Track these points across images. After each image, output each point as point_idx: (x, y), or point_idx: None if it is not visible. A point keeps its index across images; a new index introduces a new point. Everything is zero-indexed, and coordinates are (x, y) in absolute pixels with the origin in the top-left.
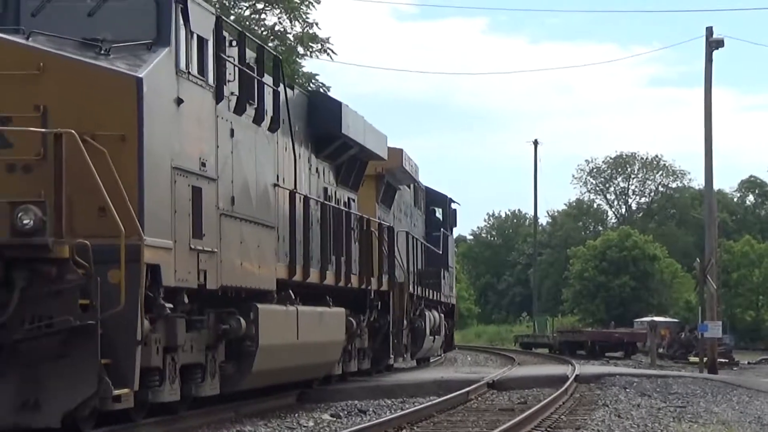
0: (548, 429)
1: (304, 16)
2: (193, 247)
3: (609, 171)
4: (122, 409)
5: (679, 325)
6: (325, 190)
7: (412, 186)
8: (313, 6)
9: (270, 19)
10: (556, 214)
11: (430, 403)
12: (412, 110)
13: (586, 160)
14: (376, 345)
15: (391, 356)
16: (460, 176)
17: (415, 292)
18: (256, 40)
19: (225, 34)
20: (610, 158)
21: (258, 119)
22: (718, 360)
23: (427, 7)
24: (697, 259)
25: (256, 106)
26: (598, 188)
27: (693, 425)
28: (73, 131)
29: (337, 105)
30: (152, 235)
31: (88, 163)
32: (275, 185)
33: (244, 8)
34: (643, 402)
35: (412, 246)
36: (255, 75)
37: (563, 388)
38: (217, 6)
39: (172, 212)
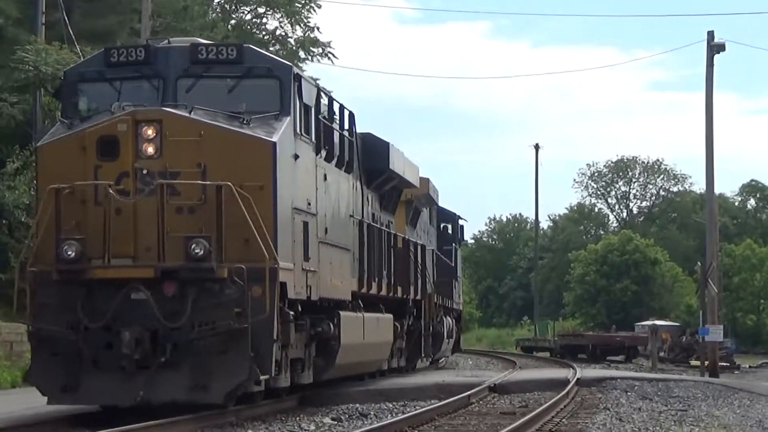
0: None
1: (305, 21)
2: (304, 268)
3: (610, 175)
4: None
5: (680, 328)
6: (373, 215)
7: (429, 207)
8: (314, 10)
9: (271, 23)
10: (557, 218)
11: (431, 406)
12: (413, 114)
13: (588, 164)
14: (411, 346)
15: (422, 356)
16: (461, 180)
17: (437, 301)
18: (338, 101)
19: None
20: (612, 162)
21: (340, 164)
22: (719, 364)
23: (429, 11)
24: (699, 262)
25: (338, 153)
26: (599, 192)
27: (694, 429)
28: (230, 183)
29: (386, 145)
30: (282, 259)
31: (241, 207)
32: (350, 216)
33: (246, 12)
34: (644, 405)
35: (435, 260)
36: (338, 129)
37: (564, 392)
38: (218, 10)
39: (292, 242)
